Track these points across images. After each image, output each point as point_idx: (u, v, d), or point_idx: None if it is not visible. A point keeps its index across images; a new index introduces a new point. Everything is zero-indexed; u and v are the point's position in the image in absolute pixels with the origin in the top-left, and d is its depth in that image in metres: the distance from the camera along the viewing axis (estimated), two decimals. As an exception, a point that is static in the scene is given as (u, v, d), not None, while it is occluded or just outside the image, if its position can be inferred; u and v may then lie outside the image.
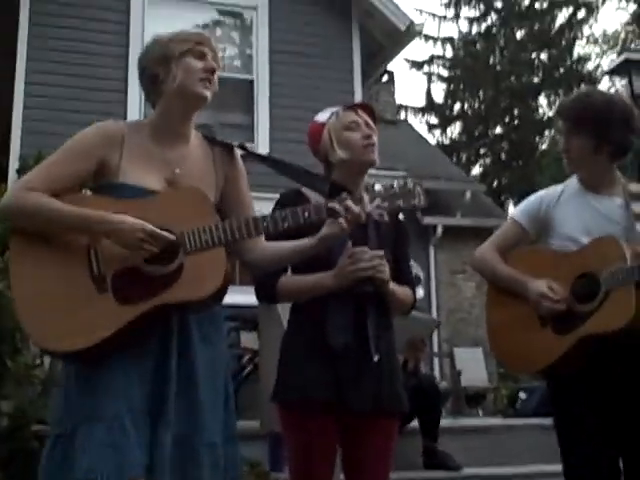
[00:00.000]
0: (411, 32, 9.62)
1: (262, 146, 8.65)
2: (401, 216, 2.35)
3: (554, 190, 2.87)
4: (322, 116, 2.61)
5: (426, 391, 4.35)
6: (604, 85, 23.67)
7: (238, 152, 2.32)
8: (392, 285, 2.45)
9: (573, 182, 2.85)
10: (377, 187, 2.13)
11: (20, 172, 4.74)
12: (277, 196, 2.53)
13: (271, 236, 2.25)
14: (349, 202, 2.09)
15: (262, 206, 2.45)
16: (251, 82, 9.03)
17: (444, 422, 4.92)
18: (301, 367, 2.41)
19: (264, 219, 2.07)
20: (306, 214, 2.08)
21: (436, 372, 12.15)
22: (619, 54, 10.06)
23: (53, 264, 2.03)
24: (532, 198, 2.90)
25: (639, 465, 2.56)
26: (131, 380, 1.98)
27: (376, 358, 2.39)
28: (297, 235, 2.24)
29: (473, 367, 10.51)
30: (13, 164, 7.07)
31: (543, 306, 2.63)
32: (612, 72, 9.18)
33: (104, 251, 2.02)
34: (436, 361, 12.37)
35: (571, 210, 2.76)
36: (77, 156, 2.12)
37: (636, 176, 7.88)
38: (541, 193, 2.90)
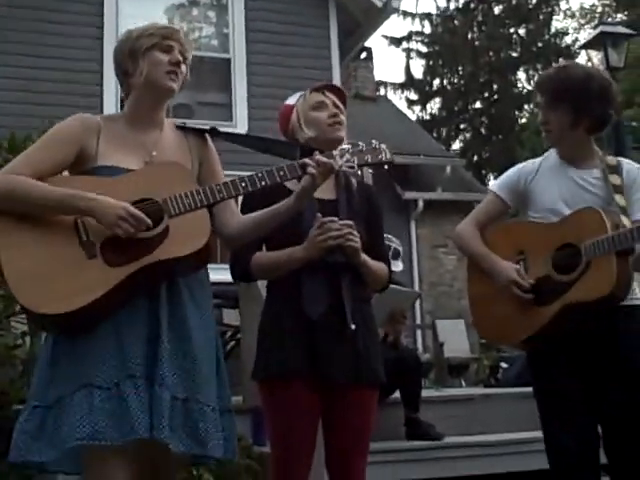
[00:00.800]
0: (388, 9, 9.59)
1: (240, 124, 8.63)
2: (370, 181, 2.41)
3: (532, 163, 2.90)
4: (291, 99, 2.69)
5: (406, 363, 4.40)
6: (582, 59, 23.77)
7: (208, 136, 2.42)
8: (364, 256, 2.48)
9: (551, 155, 2.88)
10: (345, 145, 2.26)
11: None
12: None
13: (248, 207, 2.35)
14: (319, 156, 2.19)
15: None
16: (228, 61, 8.98)
17: (426, 393, 4.97)
18: (278, 341, 2.44)
19: (242, 180, 2.17)
20: (281, 172, 2.18)
21: (419, 344, 12.28)
22: (595, 27, 10.06)
23: (41, 237, 2.09)
24: (511, 171, 2.93)
25: (617, 431, 2.60)
26: (124, 346, 2.05)
27: (352, 327, 2.42)
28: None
29: (455, 338, 10.60)
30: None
31: (512, 292, 2.67)
32: (587, 45, 9.22)
33: (91, 222, 2.09)
34: (419, 333, 12.51)
35: (550, 182, 2.79)
36: (57, 143, 2.22)
37: (613, 149, 7.96)
38: (519, 166, 2.93)
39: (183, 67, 2.30)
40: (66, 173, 2.25)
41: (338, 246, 2.39)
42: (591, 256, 2.56)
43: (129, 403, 1.98)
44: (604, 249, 2.53)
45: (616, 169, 2.74)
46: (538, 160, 2.90)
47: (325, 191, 2.50)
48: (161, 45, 2.26)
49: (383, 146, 2.24)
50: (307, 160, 2.18)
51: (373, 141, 2.25)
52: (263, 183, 2.17)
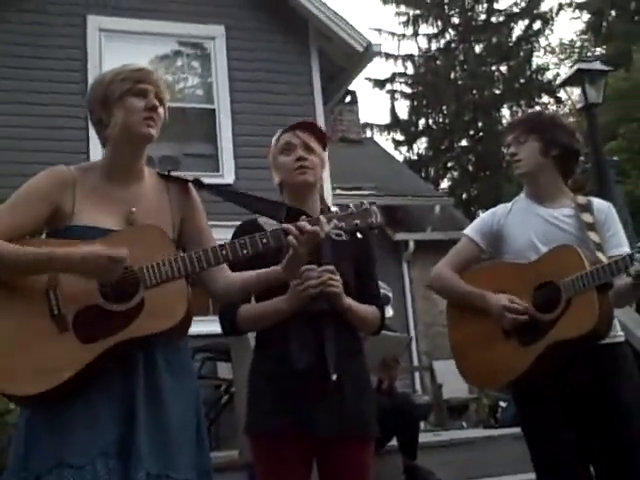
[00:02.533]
0: (369, 53, 9.69)
1: (227, 174, 8.64)
2: (359, 235, 2.37)
3: (504, 207, 2.93)
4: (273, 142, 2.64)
5: (401, 410, 4.34)
6: (562, 95, 24.08)
7: (193, 187, 2.32)
8: (349, 301, 2.43)
9: (522, 198, 2.91)
10: (333, 209, 2.17)
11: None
12: (230, 223, 2.54)
13: (235, 266, 2.26)
14: (302, 222, 2.09)
15: (227, 234, 2.43)
16: (213, 111, 9.03)
17: (424, 438, 4.92)
18: (263, 397, 2.41)
19: (222, 248, 2.09)
20: (264, 240, 2.10)
21: (417, 386, 12.16)
22: (576, 62, 10.20)
23: (11, 310, 2.01)
24: (483, 215, 2.97)
25: (609, 470, 2.58)
26: (99, 422, 1.96)
27: (334, 377, 2.35)
28: (262, 265, 2.25)
29: (453, 379, 10.41)
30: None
31: (506, 318, 2.65)
32: (566, 83, 9.33)
33: (63, 291, 2.01)
34: (417, 375, 12.38)
35: (522, 222, 2.81)
36: (30, 202, 2.11)
37: (597, 184, 8.00)
38: (492, 210, 2.96)
39: (160, 110, 2.18)
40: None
41: (320, 293, 2.35)
42: (571, 293, 2.56)
43: None
44: (584, 285, 2.54)
45: (587, 207, 2.77)
46: (509, 203, 2.93)
47: None
48: (135, 90, 2.14)
49: (374, 208, 2.15)
50: (289, 227, 2.09)
51: (364, 202, 2.17)
52: (245, 252, 2.09)
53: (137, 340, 1.98)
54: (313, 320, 2.39)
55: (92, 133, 7.91)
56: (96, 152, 7.94)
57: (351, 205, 2.15)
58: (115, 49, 8.64)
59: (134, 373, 2.03)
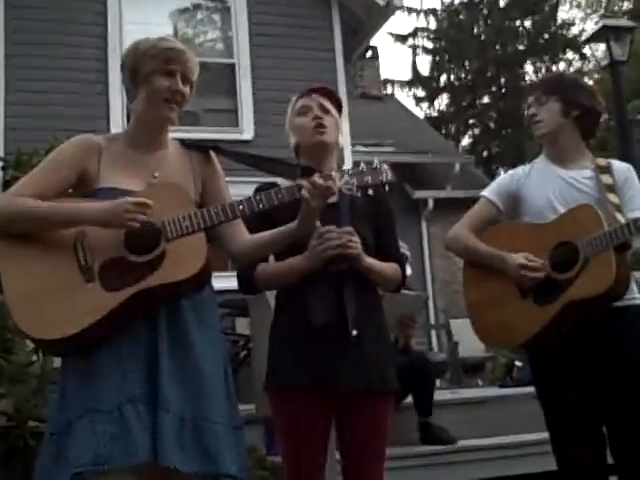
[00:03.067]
0: (391, 6, 9.54)
1: (247, 129, 8.62)
2: (370, 191, 2.37)
3: (522, 169, 2.92)
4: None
5: (417, 368, 4.37)
6: (587, 52, 23.70)
7: (213, 153, 2.41)
8: (370, 260, 2.45)
9: (541, 159, 2.90)
10: (345, 167, 2.24)
11: (3, 169, 4.77)
12: (250, 179, 2.56)
13: (253, 227, 2.34)
14: (315, 178, 2.16)
15: (249, 189, 2.48)
16: (232, 66, 8.97)
17: (439, 396, 4.96)
18: (284, 352, 2.44)
19: (240, 203, 2.16)
20: (279, 195, 2.17)
21: (433, 344, 12.23)
22: (602, 17, 10.01)
23: (40, 261, 2.11)
24: (502, 177, 2.97)
25: (623, 431, 2.60)
26: (126, 371, 2.06)
27: (354, 333, 2.38)
28: (279, 224, 2.30)
29: (470, 337, 10.42)
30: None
31: (524, 277, 2.65)
32: (590, 39, 9.17)
33: (90, 243, 2.11)
34: (433, 333, 12.45)
35: (541, 183, 2.80)
36: (59, 166, 2.24)
37: (619, 142, 7.89)
38: (510, 172, 2.96)
39: (186, 90, 2.27)
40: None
41: (339, 255, 2.37)
42: (589, 252, 2.57)
43: (131, 426, 1.99)
44: (602, 245, 2.54)
45: (607, 169, 2.76)
46: (528, 165, 2.92)
47: None
48: (163, 69, 2.23)
49: (385, 166, 2.20)
50: (303, 182, 2.16)
51: (375, 160, 2.21)
52: (261, 206, 2.16)
53: (157, 288, 2.06)
54: (332, 278, 2.41)
55: (111, 85, 8.05)
56: (115, 117, 7.97)
57: (362, 163, 2.20)
58: (135, 2, 8.59)
59: (157, 323, 2.12)
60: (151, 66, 2.24)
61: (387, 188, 2.21)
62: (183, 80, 2.26)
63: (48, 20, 8.21)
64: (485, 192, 2.95)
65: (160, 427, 2.01)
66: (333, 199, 2.48)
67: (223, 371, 2.23)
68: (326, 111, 2.57)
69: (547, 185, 2.78)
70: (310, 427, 2.41)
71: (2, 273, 2.12)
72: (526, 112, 2.89)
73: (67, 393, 2.08)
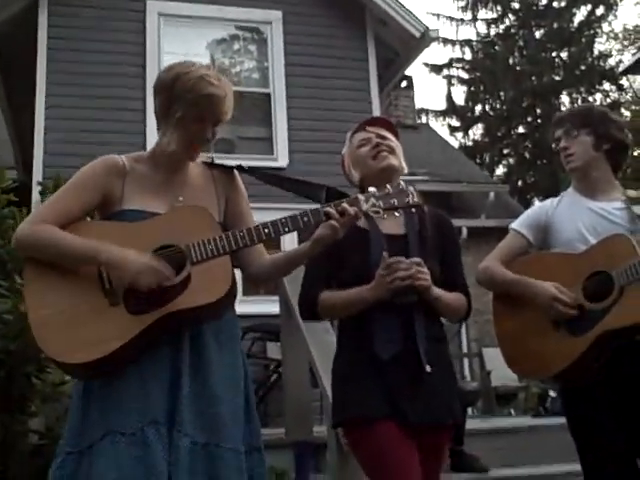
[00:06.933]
0: (426, 38, 9.59)
1: (281, 158, 8.72)
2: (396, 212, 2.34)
3: (552, 200, 2.92)
4: (344, 148, 2.66)
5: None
6: (624, 83, 23.54)
7: (237, 173, 2.41)
8: (438, 291, 2.41)
9: (570, 192, 2.90)
10: (371, 189, 2.21)
11: (42, 194, 4.87)
12: (279, 206, 2.57)
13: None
14: (344, 204, 2.15)
15: (268, 216, 2.50)
16: (268, 95, 9.10)
17: (471, 424, 4.92)
18: (355, 385, 2.38)
19: (265, 226, 2.15)
20: (305, 219, 2.15)
21: (466, 372, 12.11)
22: (639, 49, 9.98)
23: (65, 284, 2.11)
24: (531, 208, 2.98)
25: None
26: (150, 394, 2.05)
27: (428, 369, 2.33)
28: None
29: (502, 366, 10.37)
30: (35, 187, 7.00)
31: (555, 309, 2.63)
32: (628, 70, 9.13)
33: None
34: (466, 361, 12.33)
35: (571, 215, 2.79)
36: (83, 189, 2.23)
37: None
38: (540, 204, 2.95)
39: (216, 131, 2.27)
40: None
41: (408, 286, 2.33)
42: (624, 282, 2.54)
43: (152, 449, 1.99)
44: (638, 274, 2.51)
45: (638, 200, 2.73)
46: (557, 198, 2.91)
47: (394, 226, 2.46)
48: (195, 115, 2.22)
49: (411, 188, 2.19)
50: (331, 210, 2.14)
51: (401, 183, 2.21)
52: (286, 229, 2.15)
53: (183, 312, 2.05)
54: (399, 309, 2.37)
55: (149, 115, 8.21)
56: (152, 134, 8.10)
57: (388, 186, 2.19)
58: (173, 33, 8.78)
59: (181, 347, 2.11)
60: (185, 111, 2.22)
61: (413, 210, 2.21)
62: (215, 124, 2.26)
63: (86, 50, 8.40)
64: (514, 224, 2.93)
65: (175, 450, 2.01)
66: (400, 230, 2.49)
67: (244, 395, 2.22)
68: (384, 138, 2.57)
69: (577, 217, 2.77)
70: (399, 445, 2.30)
71: (27, 297, 2.12)
72: (555, 145, 2.90)
73: (88, 413, 2.08)
